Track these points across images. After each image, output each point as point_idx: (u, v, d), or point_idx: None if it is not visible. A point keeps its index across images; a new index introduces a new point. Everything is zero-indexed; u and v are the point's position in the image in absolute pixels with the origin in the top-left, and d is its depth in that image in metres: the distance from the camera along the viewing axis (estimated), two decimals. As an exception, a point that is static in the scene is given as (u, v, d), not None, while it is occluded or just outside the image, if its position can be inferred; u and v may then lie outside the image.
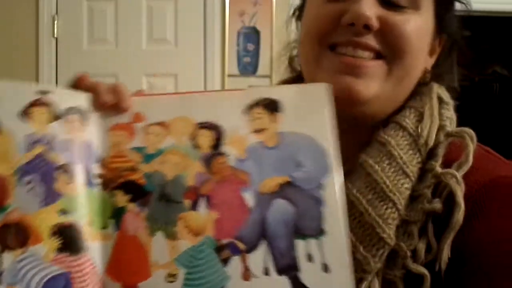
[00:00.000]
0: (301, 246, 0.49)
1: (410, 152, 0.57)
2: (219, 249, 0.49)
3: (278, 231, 0.50)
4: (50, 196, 0.48)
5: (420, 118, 0.60)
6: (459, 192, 0.54)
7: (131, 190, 0.51)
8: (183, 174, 0.51)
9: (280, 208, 0.50)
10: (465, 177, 0.55)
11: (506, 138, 3.52)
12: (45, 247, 0.47)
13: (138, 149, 0.52)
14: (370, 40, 0.57)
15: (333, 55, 0.58)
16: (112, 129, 0.52)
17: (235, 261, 0.49)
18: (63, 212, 0.48)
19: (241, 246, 0.50)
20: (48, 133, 0.49)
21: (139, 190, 0.51)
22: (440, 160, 0.57)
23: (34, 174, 0.48)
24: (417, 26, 0.58)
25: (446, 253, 0.53)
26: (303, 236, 0.50)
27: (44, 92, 0.49)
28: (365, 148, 0.59)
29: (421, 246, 0.54)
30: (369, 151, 0.58)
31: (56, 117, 0.49)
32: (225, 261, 0.49)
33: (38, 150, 0.48)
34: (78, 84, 0.52)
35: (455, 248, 0.53)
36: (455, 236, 0.53)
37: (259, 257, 0.49)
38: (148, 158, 0.52)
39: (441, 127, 0.59)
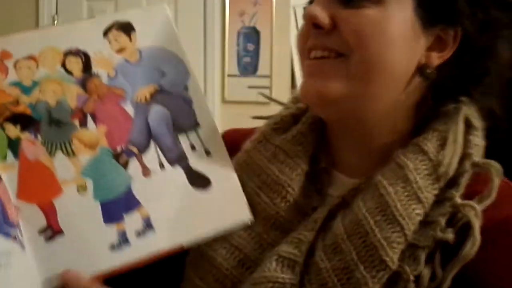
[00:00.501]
0: (183, 139, 0.58)
1: (428, 178, 0.55)
2: (116, 156, 0.56)
3: (161, 131, 0.58)
4: None
5: (443, 143, 0.57)
6: (477, 226, 0.52)
7: (19, 121, 0.56)
8: (65, 98, 0.57)
9: (158, 112, 0.58)
10: (483, 210, 0.54)
11: None
12: None
13: (15, 84, 0.56)
14: (326, 39, 0.56)
15: (306, 61, 0.59)
16: None
17: (133, 163, 0.57)
18: None
19: (134, 149, 0.57)
20: None
21: (27, 119, 0.56)
22: (461, 191, 0.55)
23: None
24: (374, 19, 0.55)
25: (448, 283, 0.52)
26: (183, 130, 0.58)
27: None
28: (382, 167, 0.57)
29: (426, 273, 0.53)
30: (385, 172, 0.56)
31: None
32: (125, 165, 0.56)
33: None
34: None
35: (458, 278, 0.52)
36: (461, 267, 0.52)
37: (152, 155, 0.57)
38: (27, 90, 0.57)
39: (466, 156, 0.56)
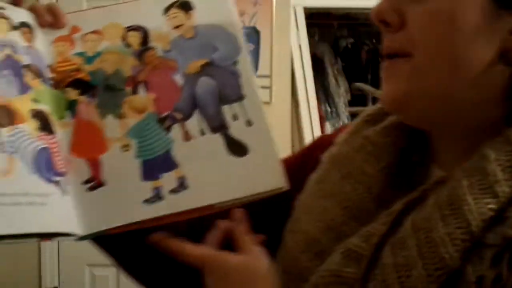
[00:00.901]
0: (227, 110, 0.62)
1: (510, 170, 0.50)
2: (161, 121, 0.62)
3: (207, 101, 0.62)
4: (23, 87, 0.60)
5: None
6: None
7: (79, 86, 0.63)
8: (121, 68, 0.63)
9: (205, 83, 0.63)
10: None
11: None
12: (29, 126, 0.58)
13: (80, 54, 0.64)
14: (393, 38, 0.54)
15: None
16: (55, 41, 0.64)
17: (176, 128, 0.61)
18: (35, 100, 0.60)
19: (178, 115, 0.62)
20: (11, 40, 0.61)
21: (86, 85, 0.63)
22: None
23: (8, 70, 0.59)
24: (440, 12, 0.51)
25: None
26: (228, 102, 0.62)
27: (2, 8, 0.62)
28: (465, 162, 0.53)
29: (490, 274, 0.47)
30: (466, 166, 0.52)
31: (14, 28, 0.62)
32: (168, 130, 0.61)
33: (7, 51, 0.60)
34: (17, 3, 0.63)
35: None
36: None
37: (195, 122, 0.62)
38: (89, 60, 0.64)
39: None
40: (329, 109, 2.88)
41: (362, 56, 2.99)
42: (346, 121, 2.88)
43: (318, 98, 2.75)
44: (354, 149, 0.60)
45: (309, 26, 2.77)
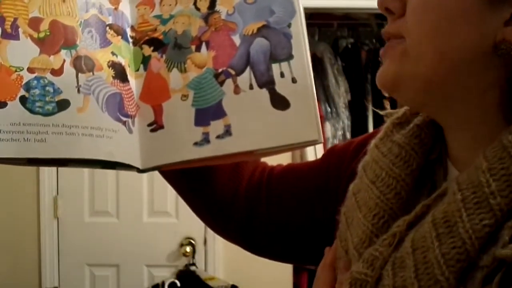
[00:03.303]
0: (275, 67, 0.69)
1: (505, 179, 0.46)
2: (216, 75, 0.70)
3: (259, 59, 0.70)
4: (104, 42, 0.69)
5: None
6: None
7: (153, 43, 0.73)
8: (189, 29, 0.73)
9: (259, 43, 0.70)
10: None
11: None
12: (105, 73, 0.68)
13: (157, 16, 0.74)
14: (394, 24, 0.54)
15: None
16: (138, 5, 0.74)
17: (228, 82, 0.69)
18: (113, 53, 0.70)
19: (232, 71, 0.70)
20: (97, 2, 0.71)
21: (159, 43, 0.73)
22: None
23: (92, 27, 0.69)
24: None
25: None
26: (277, 60, 0.69)
27: None
28: (462, 172, 0.51)
29: None
30: (462, 175, 0.50)
31: None
32: (221, 83, 0.70)
33: (93, 12, 0.69)
34: None
35: None
36: None
37: (246, 78, 0.69)
38: (164, 21, 0.73)
39: None
40: (329, 109, 2.88)
41: (362, 56, 2.98)
42: (346, 121, 2.88)
43: (318, 98, 2.75)
44: (383, 153, 0.59)
45: (309, 26, 2.77)
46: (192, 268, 2.56)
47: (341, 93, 2.92)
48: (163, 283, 2.44)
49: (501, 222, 0.46)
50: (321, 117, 2.74)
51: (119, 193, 2.66)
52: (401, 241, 0.52)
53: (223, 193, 0.79)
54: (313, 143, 0.67)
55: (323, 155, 0.78)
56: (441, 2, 0.50)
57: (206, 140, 0.68)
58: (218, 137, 0.67)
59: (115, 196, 2.66)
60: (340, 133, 2.87)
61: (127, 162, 0.66)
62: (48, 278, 2.66)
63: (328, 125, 2.86)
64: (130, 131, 0.68)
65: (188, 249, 2.61)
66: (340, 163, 0.73)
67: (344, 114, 2.89)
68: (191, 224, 2.56)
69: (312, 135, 0.66)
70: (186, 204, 0.83)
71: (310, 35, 2.83)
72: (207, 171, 0.76)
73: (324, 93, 2.92)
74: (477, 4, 0.49)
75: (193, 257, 2.62)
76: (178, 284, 2.45)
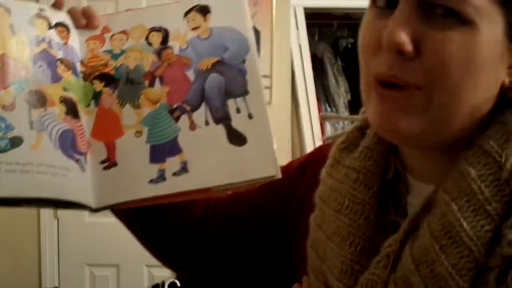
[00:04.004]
0: (231, 103, 0.68)
1: (495, 184, 0.47)
2: (171, 111, 0.69)
3: (214, 94, 0.69)
4: (55, 77, 0.68)
5: (508, 138, 0.49)
6: None
7: (104, 78, 0.71)
8: (142, 64, 0.71)
9: (214, 79, 0.69)
10: None
11: None
12: (57, 109, 0.66)
13: (108, 51, 0.72)
14: (405, 68, 0.48)
15: (375, 85, 0.51)
16: (88, 40, 0.73)
17: (184, 118, 0.68)
18: (65, 89, 0.68)
19: (187, 107, 0.69)
20: (47, 36, 0.69)
21: (110, 78, 0.71)
22: None
23: (43, 61, 0.67)
24: (463, 44, 0.47)
25: None
26: (233, 96, 0.68)
27: (42, 9, 0.70)
28: (445, 179, 0.50)
29: None
30: (448, 184, 0.49)
31: (51, 27, 0.70)
32: (176, 119, 0.68)
33: (43, 46, 0.68)
34: (57, 7, 0.71)
35: None
36: None
37: (201, 114, 0.68)
38: (115, 56, 0.72)
39: None
40: (329, 109, 2.88)
41: (362, 56, 2.98)
42: (346, 121, 2.88)
43: (318, 98, 2.76)
44: (340, 181, 0.58)
45: (309, 26, 2.78)
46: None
47: (341, 93, 2.92)
48: (163, 283, 2.44)
49: (499, 225, 0.47)
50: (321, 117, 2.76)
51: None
52: (395, 260, 0.52)
53: (173, 231, 0.78)
54: (271, 178, 0.65)
55: None
56: (478, 51, 0.47)
57: (162, 177, 0.66)
58: (174, 174, 0.66)
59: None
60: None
61: (80, 201, 0.64)
62: (48, 278, 2.66)
63: (328, 125, 2.86)
64: (83, 169, 0.66)
65: (188, 249, 2.60)
66: (282, 188, 0.72)
67: (344, 114, 2.89)
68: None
69: (270, 170, 0.65)
70: (138, 241, 0.82)
71: (310, 35, 2.83)
72: (158, 210, 0.75)
73: (324, 93, 2.92)
74: (500, 54, 0.48)
75: (193, 257, 2.61)
76: (178, 284, 2.45)
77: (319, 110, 2.75)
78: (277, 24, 2.61)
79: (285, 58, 2.63)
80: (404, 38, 0.47)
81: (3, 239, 2.64)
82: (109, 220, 2.72)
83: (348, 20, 3.06)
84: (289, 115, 2.62)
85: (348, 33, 3.14)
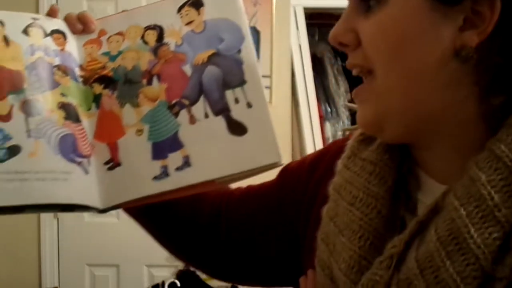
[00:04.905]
0: (229, 94, 0.69)
1: (506, 190, 0.46)
2: (171, 107, 0.69)
3: (211, 87, 0.69)
4: (52, 84, 0.68)
5: None
6: None
7: (103, 81, 0.72)
8: (139, 63, 0.72)
9: (211, 71, 0.70)
10: None
11: None
12: (56, 115, 0.67)
13: (105, 54, 0.73)
14: (353, 56, 0.54)
15: None
16: (85, 44, 0.74)
17: (183, 113, 0.69)
18: (63, 95, 0.69)
19: (186, 102, 0.69)
20: (43, 45, 0.70)
21: (109, 80, 0.72)
22: None
23: (38, 70, 0.68)
24: (383, 24, 0.51)
25: None
26: (230, 87, 0.69)
27: (36, 18, 0.72)
28: (455, 179, 0.50)
29: None
30: (458, 188, 0.49)
31: (46, 35, 0.71)
32: (176, 115, 0.69)
33: (38, 55, 0.69)
34: (52, 15, 0.72)
35: None
36: None
37: (200, 107, 0.69)
38: (113, 58, 0.73)
39: None
40: (329, 109, 2.88)
41: (362, 56, 2.98)
42: (346, 121, 2.88)
43: (318, 98, 2.75)
44: (356, 173, 0.58)
45: (309, 26, 2.77)
46: (192, 268, 2.56)
47: (341, 93, 2.92)
48: (163, 283, 2.44)
49: (509, 232, 0.45)
50: (321, 117, 2.76)
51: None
52: (399, 261, 0.51)
53: (185, 225, 0.79)
54: (274, 165, 0.66)
55: (278, 176, 0.77)
56: (394, 25, 0.50)
57: (165, 173, 0.67)
58: (177, 169, 0.67)
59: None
60: (340, 133, 2.87)
61: (85, 203, 0.65)
62: (48, 278, 2.66)
63: (328, 125, 2.86)
64: (86, 172, 0.67)
65: (188, 249, 2.60)
66: (295, 183, 0.73)
67: (344, 114, 2.89)
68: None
69: (272, 157, 0.66)
70: (150, 236, 0.83)
71: (310, 35, 2.83)
72: (168, 205, 0.76)
73: (324, 93, 2.92)
74: (428, 18, 0.49)
75: (193, 257, 2.61)
76: (178, 284, 2.45)
77: (319, 110, 2.75)
78: (277, 24, 2.61)
79: (285, 58, 2.63)
80: (338, 31, 0.53)
81: (3, 239, 2.64)
82: (109, 220, 2.72)
83: (348, 20, 3.05)
84: (289, 115, 2.62)
85: (348, 33, 3.13)
